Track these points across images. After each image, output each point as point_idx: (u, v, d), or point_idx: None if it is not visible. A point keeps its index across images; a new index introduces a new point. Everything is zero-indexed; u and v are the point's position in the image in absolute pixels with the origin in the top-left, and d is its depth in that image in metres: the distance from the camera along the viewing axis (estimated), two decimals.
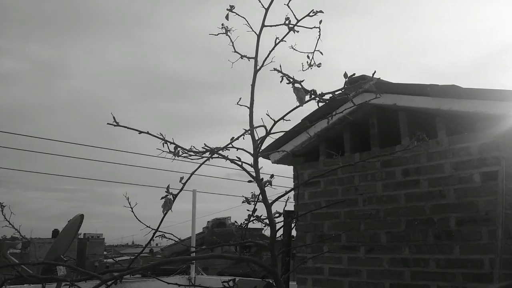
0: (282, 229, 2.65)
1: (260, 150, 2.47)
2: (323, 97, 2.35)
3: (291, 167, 4.94)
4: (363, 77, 4.26)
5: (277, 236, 2.65)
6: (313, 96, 2.35)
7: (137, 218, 2.39)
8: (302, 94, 2.36)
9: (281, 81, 2.41)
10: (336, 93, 2.35)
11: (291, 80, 2.38)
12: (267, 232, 2.61)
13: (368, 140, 4.26)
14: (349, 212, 4.24)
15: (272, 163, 4.91)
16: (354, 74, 2.31)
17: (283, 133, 2.59)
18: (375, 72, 2.31)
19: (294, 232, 4.72)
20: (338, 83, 2.38)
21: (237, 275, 2.84)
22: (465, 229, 3.43)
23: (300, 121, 3.79)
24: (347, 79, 2.31)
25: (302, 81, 2.37)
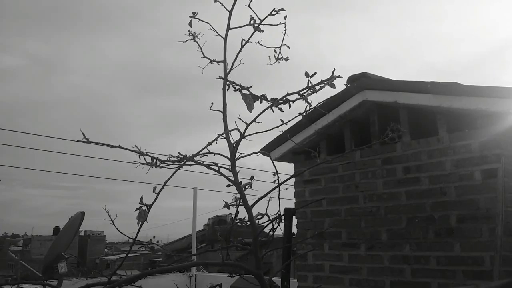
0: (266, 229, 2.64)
1: (237, 152, 2.44)
2: (276, 101, 2.35)
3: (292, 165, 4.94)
4: (364, 74, 4.28)
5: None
6: (265, 101, 2.34)
7: (118, 230, 2.32)
8: (250, 100, 2.35)
9: (228, 89, 2.40)
10: (290, 96, 2.35)
11: (238, 87, 2.37)
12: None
13: (369, 137, 4.26)
14: (349, 210, 4.24)
15: (272, 160, 4.90)
16: (315, 73, 2.32)
17: (258, 133, 2.60)
18: (334, 70, 2.34)
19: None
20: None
21: (238, 272, 2.83)
22: (466, 226, 3.44)
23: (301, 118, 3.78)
24: (309, 78, 2.31)
25: (250, 87, 2.37)
